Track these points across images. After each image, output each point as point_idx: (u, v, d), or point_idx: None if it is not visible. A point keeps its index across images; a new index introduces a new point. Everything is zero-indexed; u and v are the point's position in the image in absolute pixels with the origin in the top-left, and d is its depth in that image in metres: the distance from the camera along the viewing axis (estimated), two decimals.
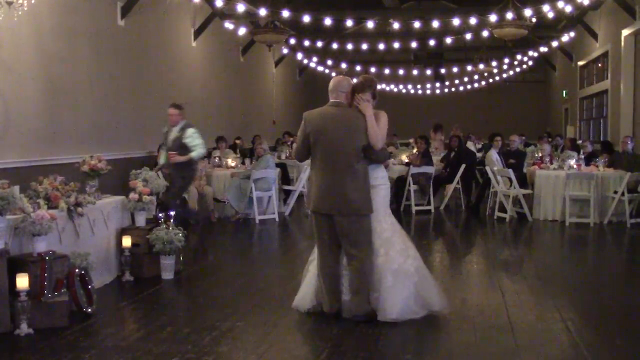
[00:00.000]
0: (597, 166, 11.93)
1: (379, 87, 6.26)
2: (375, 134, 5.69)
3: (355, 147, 5.69)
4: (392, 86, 24.97)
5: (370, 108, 5.77)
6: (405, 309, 5.61)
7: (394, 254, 5.73)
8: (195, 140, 9.44)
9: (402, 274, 5.67)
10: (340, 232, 5.73)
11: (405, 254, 5.77)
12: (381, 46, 18.43)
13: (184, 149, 9.40)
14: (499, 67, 22.65)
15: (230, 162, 12.98)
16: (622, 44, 15.08)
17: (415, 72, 24.35)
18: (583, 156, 12.75)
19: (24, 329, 5.38)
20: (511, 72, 24.21)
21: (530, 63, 23.12)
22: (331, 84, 5.94)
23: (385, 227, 5.83)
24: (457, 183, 13.46)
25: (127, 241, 7.34)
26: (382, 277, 5.67)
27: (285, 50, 21.78)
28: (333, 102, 5.88)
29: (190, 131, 9.46)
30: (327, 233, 5.84)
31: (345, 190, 5.68)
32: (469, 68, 22.64)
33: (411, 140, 17.22)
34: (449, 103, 26.30)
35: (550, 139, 17.99)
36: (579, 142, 18.12)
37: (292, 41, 18.52)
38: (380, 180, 5.91)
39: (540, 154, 13.56)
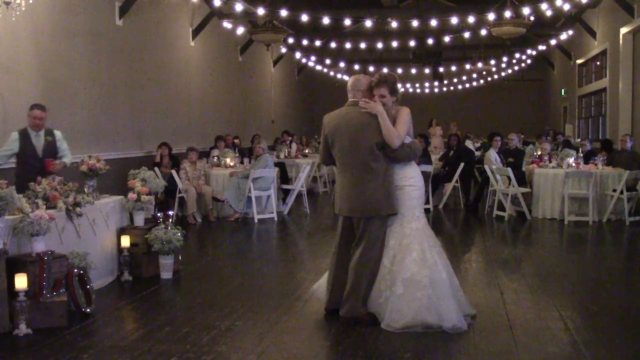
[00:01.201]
0: (595, 164, 11.94)
1: None
2: (389, 132, 5.49)
3: (369, 146, 5.55)
4: None
5: (377, 106, 5.55)
6: (413, 321, 5.36)
7: (409, 262, 5.49)
8: (65, 144, 8.09)
9: (413, 285, 5.42)
10: (357, 232, 5.69)
11: (422, 263, 5.47)
12: (379, 45, 18.44)
13: (55, 155, 7.98)
14: (498, 65, 22.66)
15: (229, 161, 12.97)
16: (621, 42, 15.08)
17: (413, 70, 24.35)
18: (582, 154, 12.76)
19: (23, 329, 5.38)
20: (510, 71, 24.23)
21: (529, 61, 23.13)
22: (348, 83, 5.86)
23: (407, 233, 5.60)
24: (456, 182, 13.48)
25: (125, 241, 7.33)
26: (393, 284, 5.50)
27: (283, 50, 21.79)
28: (350, 102, 5.80)
29: (59, 134, 8.09)
30: (343, 233, 5.84)
31: (364, 190, 5.59)
32: (468, 67, 22.65)
33: None
34: (447, 102, 26.30)
35: (549, 137, 18.01)
36: (577, 140, 18.16)
37: (291, 40, 18.54)
38: (409, 181, 5.70)
39: (539, 153, 13.55)
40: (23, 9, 7.97)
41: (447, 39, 17.49)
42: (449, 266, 5.74)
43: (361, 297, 5.62)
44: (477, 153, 16.83)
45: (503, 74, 24.40)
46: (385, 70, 21.92)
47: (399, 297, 5.44)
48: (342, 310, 5.69)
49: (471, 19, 14.39)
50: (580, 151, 13.25)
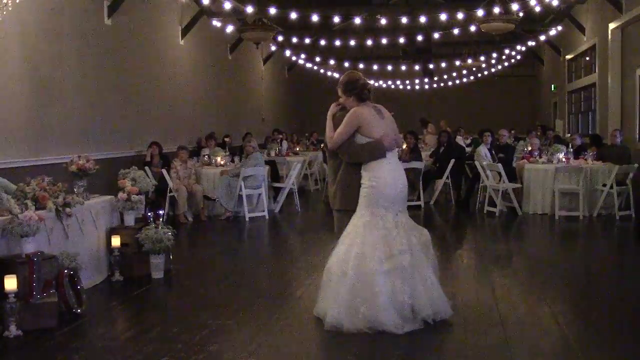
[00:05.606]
0: (585, 159, 11.98)
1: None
2: (326, 133, 5.76)
3: (324, 143, 6.00)
4: (381, 82, 24.99)
5: (331, 107, 5.80)
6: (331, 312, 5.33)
7: (334, 253, 5.52)
8: None
9: (328, 274, 5.49)
10: None
11: (339, 256, 5.44)
12: (369, 42, 18.43)
13: None
14: (487, 61, 22.71)
15: (220, 160, 12.94)
16: (609, 37, 15.12)
17: (403, 67, 24.34)
18: (572, 149, 12.79)
19: (13, 330, 5.35)
20: (499, 67, 24.28)
21: (519, 57, 23.17)
22: None
23: (349, 229, 5.55)
24: (447, 178, 13.50)
25: (116, 241, 7.31)
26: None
27: (273, 47, 21.75)
28: None
29: None
30: None
31: (328, 184, 6.02)
32: (458, 63, 22.67)
33: (400, 136, 17.22)
34: (437, 98, 26.35)
35: (538, 133, 18.07)
36: (567, 135, 18.21)
37: (280, 38, 18.48)
38: (363, 180, 5.63)
39: (530, 148, 13.59)
40: (10, 8, 7.92)
41: (436, 35, 17.47)
42: (377, 272, 5.30)
43: None
44: (468, 149, 16.86)
45: (493, 70, 24.47)
46: (374, 66, 21.87)
47: (322, 284, 5.59)
48: None
49: (460, 16, 14.42)
50: (571, 146, 13.29)
